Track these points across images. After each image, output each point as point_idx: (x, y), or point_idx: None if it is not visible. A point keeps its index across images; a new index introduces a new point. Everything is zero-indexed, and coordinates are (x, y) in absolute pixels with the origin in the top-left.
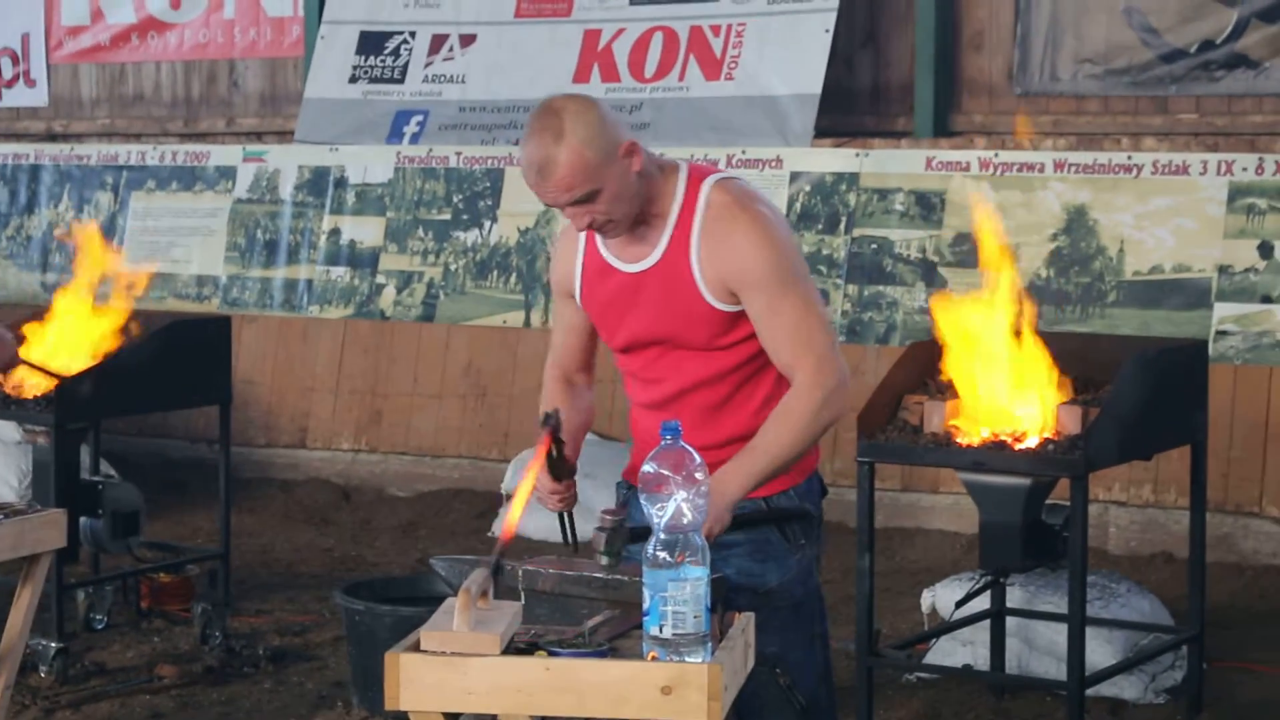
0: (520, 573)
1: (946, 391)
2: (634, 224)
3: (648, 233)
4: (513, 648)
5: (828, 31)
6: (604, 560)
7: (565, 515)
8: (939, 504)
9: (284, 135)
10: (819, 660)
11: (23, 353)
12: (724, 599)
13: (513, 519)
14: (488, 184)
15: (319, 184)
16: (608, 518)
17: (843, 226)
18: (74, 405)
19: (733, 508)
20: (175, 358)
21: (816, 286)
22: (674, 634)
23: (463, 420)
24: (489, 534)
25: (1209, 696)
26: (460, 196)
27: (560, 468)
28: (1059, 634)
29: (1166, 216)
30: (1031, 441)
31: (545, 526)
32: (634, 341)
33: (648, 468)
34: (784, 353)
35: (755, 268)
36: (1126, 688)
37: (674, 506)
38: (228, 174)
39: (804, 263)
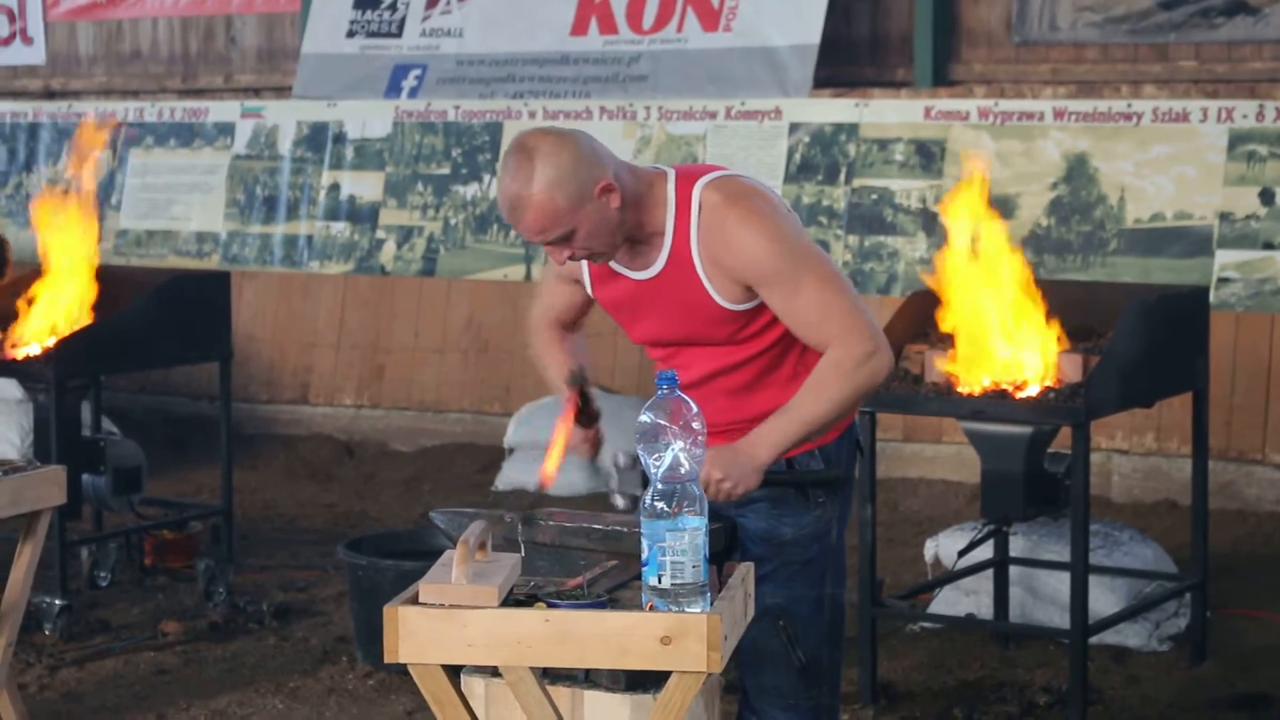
0: (520, 525)
1: (947, 341)
2: (631, 244)
3: (648, 249)
4: (511, 599)
5: None
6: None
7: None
8: (941, 454)
9: (282, 91)
10: (826, 622)
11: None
12: (727, 546)
13: (550, 468)
14: (486, 137)
15: (318, 139)
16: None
17: (842, 177)
18: (74, 362)
19: (761, 471)
20: (176, 314)
21: (829, 259)
22: (673, 584)
23: (464, 375)
24: (492, 488)
25: (1212, 644)
26: (459, 150)
27: (590, 417)
28: (1062, 582)
29: (1167, 164)
30: (1032, 390)
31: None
32: (652, 341)
33: (644, 417)
34: (814, 336)
35: (759, 263)
36: (1130, 636)
37: (671, 456)
38: (226, 130)
39: (807, 240)
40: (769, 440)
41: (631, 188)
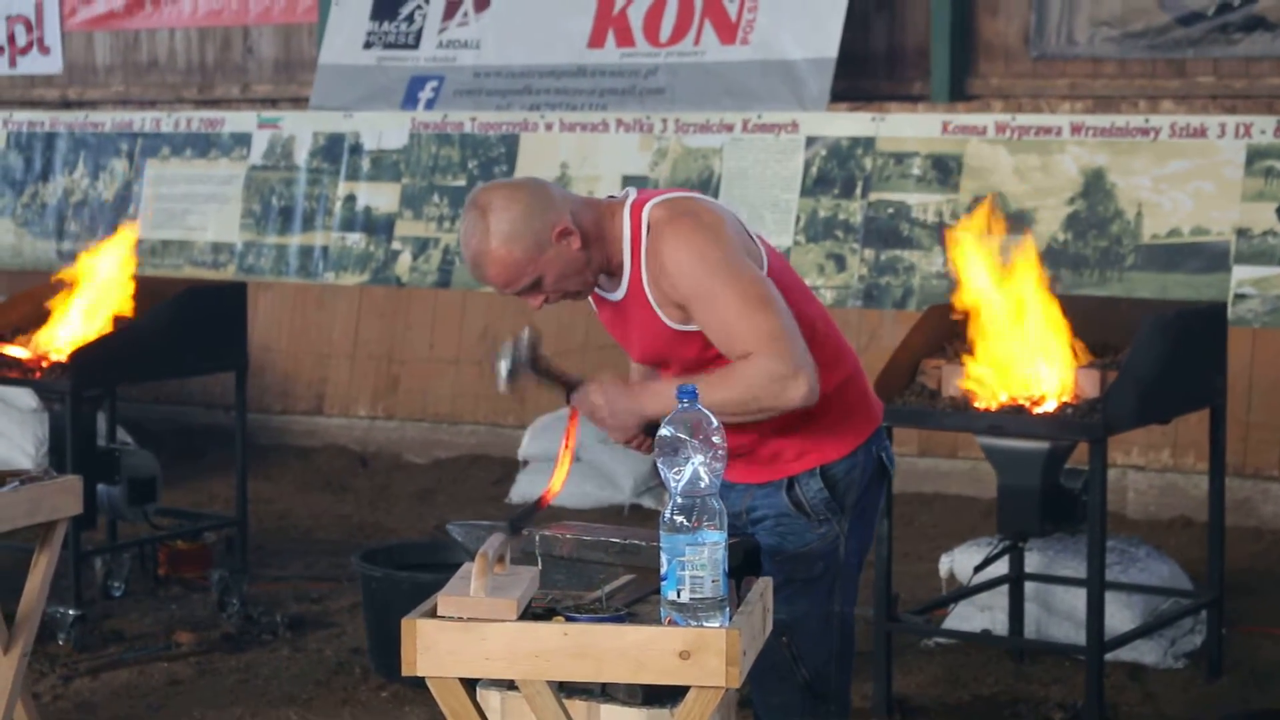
0: (537, 538)
1: (964, 355)
2: (608, 275)
3: (619, 277)
4: (530, 613)
5: None
6: (503, 375)
7: None
8: (957, 469)
9: (299, 102)
10: (834, 640)
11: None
12: (744, 562)
13: (555, 485)
14: (503, 149)
15: (334, 150)
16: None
17: (859, 191)
18: (89, 372)
19: (642, 422)
20: (191, 324)
21: (765, 283)
22: (692, 599)
23: (479, 386)
24: (506, 500)
25: (1228, 661)
26: (475, 162)
27: None
28: (1078, 599)
29: (1184, 179)
30: (1050, 405)
31: (563, 493)
32: (641, 361)
33: (664, 431)
34: (733, 351)
35: (680, 279)
36: (1146, 652)
37: (691, 470)
38: (243, 141)
39: (743, 263)
40: (658, 396)
41: (592, 226)
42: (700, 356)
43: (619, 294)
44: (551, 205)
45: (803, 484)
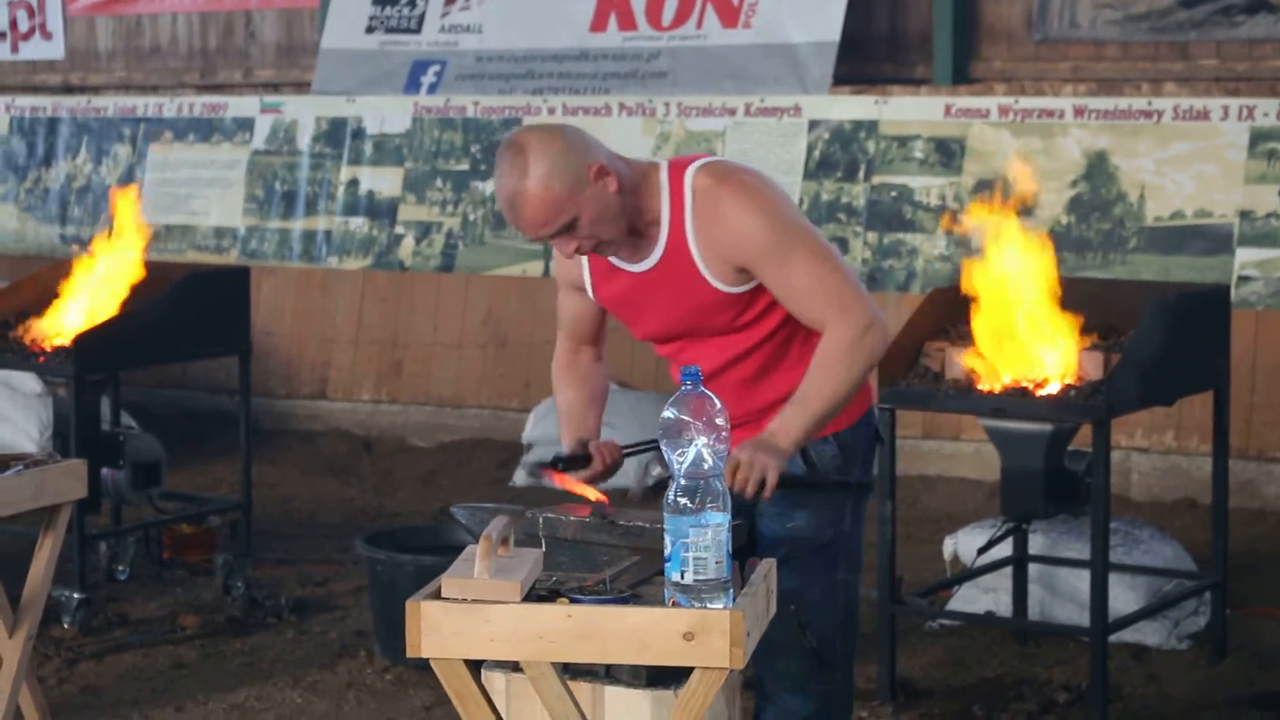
0: (541, 520)
1: (968, 338)
2: (631, 235)
3: (645, 242)
4: (534, 595)
5: None
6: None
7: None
8: (960, 451)
9: (301, 86)
10: (840, 608)
11: None
12: (745, 546)
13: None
14: (505, 133)
15: (336, 135)
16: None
17: (862, 174)
18: (93, 356)
19: (783, 461)
20: (194, 309)
21: (820, 235)
22: (695, 580)
23: (483, 370)
24: (510, 484)
25: (1232, 642)
26: (478, 146)
27: (581, 468)
28: (1081, 580)
29: (1187, 162)
30: (1053, 387)
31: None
32: (656, 337)
33: (668, 413)
34: (808, 312)
35: (752, 241)
36: (1149, 634)
37: (695, 452)
38: (245, 125)
39: (800, 218)
40: (787, 431)
41: (627, 175)
42: (732, 324)
43: (650, 261)
44: (588, 147)
45: (817, 452)
